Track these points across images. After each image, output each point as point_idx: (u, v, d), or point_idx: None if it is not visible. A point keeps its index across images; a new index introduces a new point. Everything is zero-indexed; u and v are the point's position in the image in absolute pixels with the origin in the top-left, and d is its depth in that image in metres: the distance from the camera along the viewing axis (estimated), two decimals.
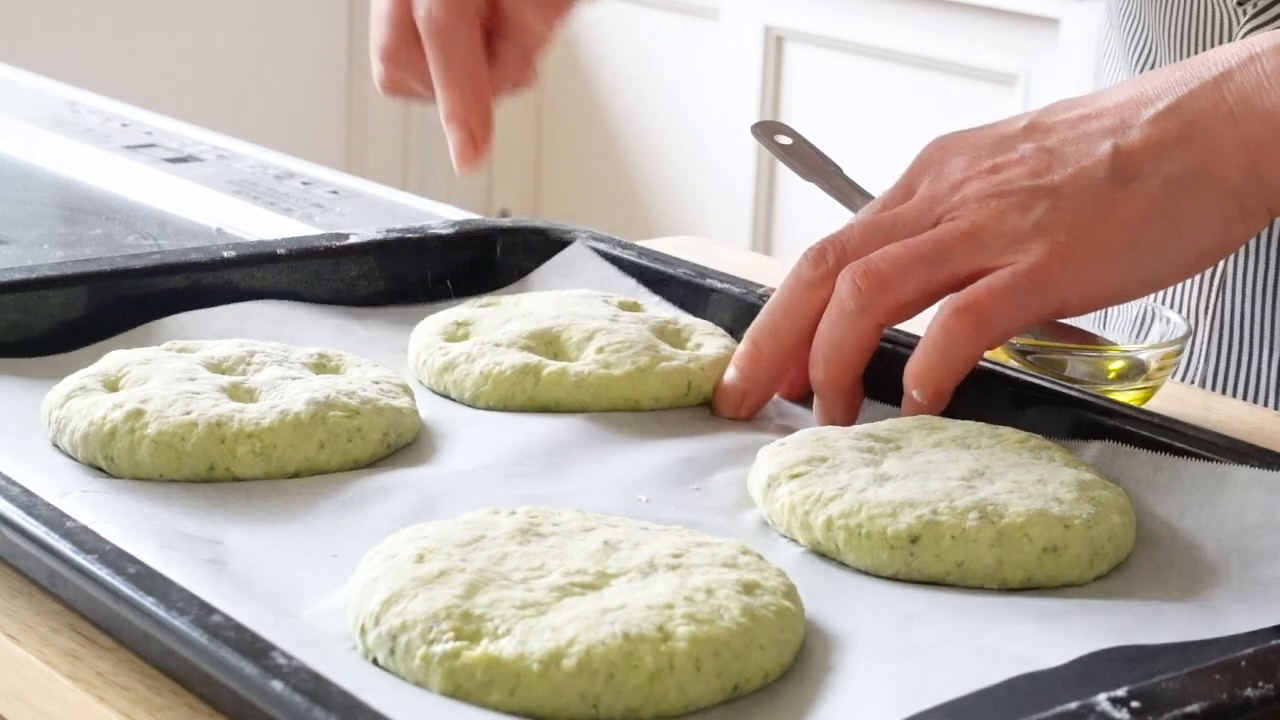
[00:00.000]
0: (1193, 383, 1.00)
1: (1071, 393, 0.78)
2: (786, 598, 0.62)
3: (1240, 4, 0.94)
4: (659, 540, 0.64)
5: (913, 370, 0.76)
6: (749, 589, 0.61)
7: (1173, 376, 0.98)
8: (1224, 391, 0.99)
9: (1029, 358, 0.85)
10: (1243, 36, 0.94)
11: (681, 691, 0.57)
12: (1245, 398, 0.98)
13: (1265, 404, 0.97)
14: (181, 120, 1.42)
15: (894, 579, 0.66)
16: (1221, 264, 0.98)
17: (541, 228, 0.97)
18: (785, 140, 0.93)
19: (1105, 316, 1.00)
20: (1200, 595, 0.66)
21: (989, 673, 0.58)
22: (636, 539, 0.64)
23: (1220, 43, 0.96)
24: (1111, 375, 0.86)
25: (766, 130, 0.93)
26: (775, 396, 0.82)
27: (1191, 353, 1.01)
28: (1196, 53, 0.87)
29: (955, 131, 0.81)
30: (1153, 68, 1.02)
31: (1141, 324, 0.92)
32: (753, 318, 0.87)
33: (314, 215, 1.16)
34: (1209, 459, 0.73)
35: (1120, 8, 1.06)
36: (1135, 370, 0.86)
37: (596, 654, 0.57)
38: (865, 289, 0.76)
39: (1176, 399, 0.90)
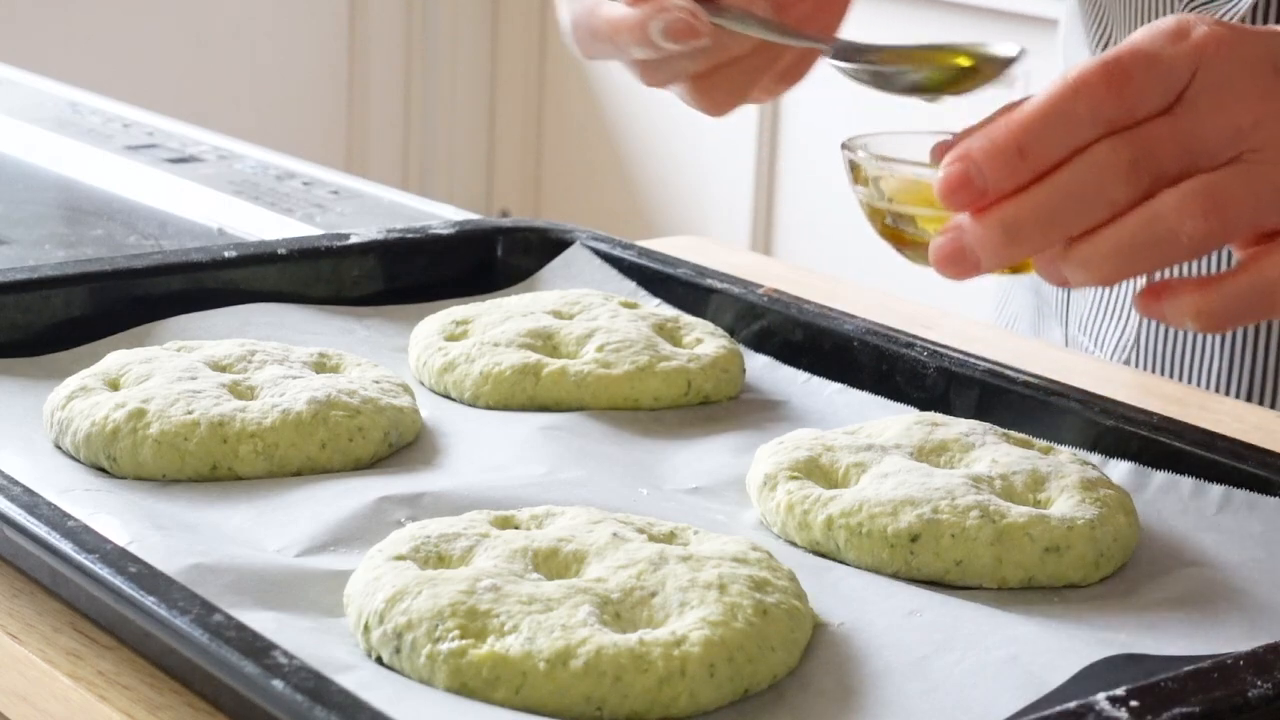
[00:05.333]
0: (1195, 383, 0.99)
1: (1071, 395, 0.78)
2: (796, 597, 0.61)
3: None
4: (666, 536, 0.64)
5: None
6: (760, 586, 0.61)
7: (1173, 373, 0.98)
8: (1225, 392, 0.99)
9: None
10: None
11: (692, 697, 0.56)
12: (1249, 399, 0.98)
13: (1263, 401, 0.97)
14: (182, 121, 1.42)
15: (894, 577, 0.66)
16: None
17: (541, 228, 0.97)
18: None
19: None
20: (1202, 606, 0.66)
21: (992, 681, 0.58)
22: (642, 535, 0.64)
23: None
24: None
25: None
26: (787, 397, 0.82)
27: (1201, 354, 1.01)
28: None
29: (1211, 21, 0.67)
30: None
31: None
32: (752, 318, 0.87)
33: (315, 215, 1.16)
34: (1208, 458, 0.73)
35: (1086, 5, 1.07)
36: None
37: (606, 655, 0.56)
38: (1208, 228, 0.64)
39: (1176, 399, 0.90)
